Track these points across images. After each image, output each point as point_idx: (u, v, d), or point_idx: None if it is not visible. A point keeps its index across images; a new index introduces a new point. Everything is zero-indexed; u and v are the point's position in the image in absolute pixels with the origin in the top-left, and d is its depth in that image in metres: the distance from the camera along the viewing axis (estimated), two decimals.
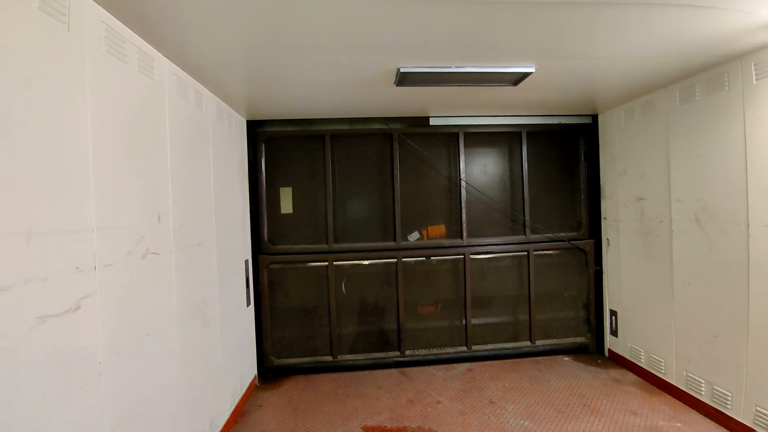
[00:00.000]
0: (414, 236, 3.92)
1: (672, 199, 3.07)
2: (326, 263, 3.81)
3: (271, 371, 3.76)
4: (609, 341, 3.96)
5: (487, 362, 3.93)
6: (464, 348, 3.97)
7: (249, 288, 3.51)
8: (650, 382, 3.34)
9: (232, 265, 3.14)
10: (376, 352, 3.90)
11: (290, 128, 3.77)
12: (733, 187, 2.56)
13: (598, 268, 4.04)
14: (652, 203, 3.30)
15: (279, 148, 3.82)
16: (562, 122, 4.01)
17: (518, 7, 1.79)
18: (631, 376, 3.51)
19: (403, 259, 3.89)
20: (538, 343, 4.03)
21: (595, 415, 2.89)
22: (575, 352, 4.06)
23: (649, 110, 3.28)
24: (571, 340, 4.07)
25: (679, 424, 2.73)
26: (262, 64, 2.36)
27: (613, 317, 3.87)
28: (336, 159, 3.87)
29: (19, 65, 1.24)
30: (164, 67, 2.15)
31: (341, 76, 2.60)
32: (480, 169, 4.02)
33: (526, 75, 2.63)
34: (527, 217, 4.00)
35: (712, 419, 2.74)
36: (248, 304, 3.49)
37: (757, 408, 2.43)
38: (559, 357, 4.00)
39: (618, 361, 3.80)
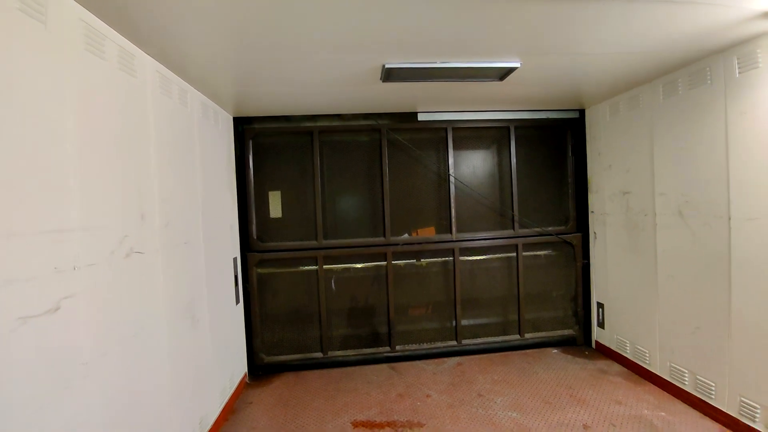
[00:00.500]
0: (404, 238, 3.93)
1: (656, 192, 3.11)
2: (316, 261, 3.81)
3: (261, 369, 3.77)
4: (596, 333, 4.02)
5: (477, 356, 3.97)
6: (454, 342, 4.00)
7: (238, 286, 3.50)
8: (636, 373, 3.40)
9: (221, 263, 3.12)
10: (366, 347, 3.92)
11: (277, 125, 3.74)
12: (716, 181, 2.59)
13: (586, 261, 4.09)
14: (637, 197, 3.34)
15: (266, 146, 3.79)
16: (550, 117, 4.03)
17: (501, 2, 1.79)
18: (617, 367, 3.57)
19: (393, 262, 3.90)
20: (527, 336, 4.08)
21: (581, 405, 2.94)
22: (563, 344, 4.12)
23: (634, 105, 3.31)
24: (559, 332, 4.13)
25: (663, 413, 2.79)
26: (246, 63, 2.35)
27: (600, 309, 3.92)
28: (324, 156, 3.86)
29: None
30: (147, 64, 2.12)
31: (327, 73, 2.59)
32: (468, 165, 4.04)
33: (511, 70, 2.64)
34: (516, 212, 4.03)
35: (696, 408, 2.80)
36: (237, 302, 3.48)
37: (742, 398, 2.48)
38: (548, 349, 4.05)
39: (605, 352, 3.86)
